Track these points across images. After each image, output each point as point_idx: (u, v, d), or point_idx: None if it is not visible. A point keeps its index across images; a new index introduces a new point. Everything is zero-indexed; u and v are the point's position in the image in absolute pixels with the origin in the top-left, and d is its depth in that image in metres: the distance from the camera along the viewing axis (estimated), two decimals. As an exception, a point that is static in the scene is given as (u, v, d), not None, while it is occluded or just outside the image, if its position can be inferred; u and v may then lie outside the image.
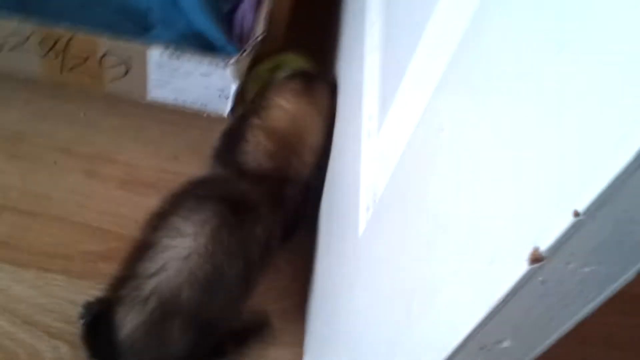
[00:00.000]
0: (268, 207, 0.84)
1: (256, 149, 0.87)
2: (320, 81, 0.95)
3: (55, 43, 0.92)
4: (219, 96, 0.98)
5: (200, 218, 0.79)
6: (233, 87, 0.96)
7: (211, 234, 0.78)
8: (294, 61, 1.06)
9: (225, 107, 1.00)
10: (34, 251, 0.97)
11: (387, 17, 0.71)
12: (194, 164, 1.06)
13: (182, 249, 0.77)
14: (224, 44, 1.02)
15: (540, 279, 0.33)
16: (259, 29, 0.91)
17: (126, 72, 0.97)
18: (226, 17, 1.08)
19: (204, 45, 1.03)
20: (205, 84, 0.97)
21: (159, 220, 0.80)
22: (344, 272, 0.71)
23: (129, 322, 0.78)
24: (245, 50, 0.91)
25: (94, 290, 0.95)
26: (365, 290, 0.63)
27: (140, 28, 1.06)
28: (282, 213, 0.86)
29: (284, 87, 0.93)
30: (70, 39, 0.91)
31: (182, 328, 0.78)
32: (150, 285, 0.76)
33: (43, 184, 1.02)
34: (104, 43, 0.92)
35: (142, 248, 0.79)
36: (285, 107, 0.90)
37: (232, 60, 0.92)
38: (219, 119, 1.04)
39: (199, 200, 0.81)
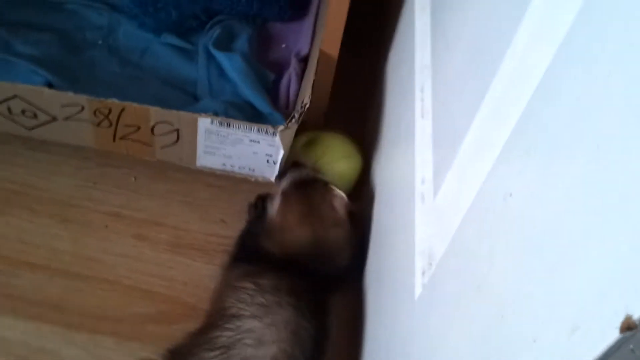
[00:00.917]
0: (318, 287, 0.84)
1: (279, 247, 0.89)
2: (316, 186, 0.94)
3: (108, 113, 0.94)
4: (267, 162, 1.00)
5: (280, 319, 0.79)
6: (281, 153, 0.97)
7: (292, 334, 0.78)
8: (329, 139, 1.06)
9: (273, 172, 1.02)
10: (84, 314, 0.98)
11: (439, 83, 0.73)
12: (239, 226, 1.07)
13: (262, 357, 0.76)
14: (270, 112, 1.04)
15: (630, 346, 0.32)
16: (305, 98, 0.93)
17: (177, 140, 0.99)
18: (272, 85, 1.10)
19: (251, 113, 1.05)
20: (253, 150, 0.98)
21: (231, 320, 0.80)
22: (398, 334, 0.71)
23: None
24: (293, 118, 0.93)
25: (143, 352, 0.95)
26: (422, 357, 0.62)
27: (190, 97, 1.08)
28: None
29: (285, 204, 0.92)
30: (122, 110, 0.94)
31: None
32: None
33: (94, 247, 1.03)
34: (156, 112, 0.94)
35: (216, 349, 0.79)
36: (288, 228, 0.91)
37: (280, 128, 0.93)
38: (265, 183, 1.06)
39: (275, 295, 0.81)
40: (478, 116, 0.55)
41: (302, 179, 0.94)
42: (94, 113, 0.95)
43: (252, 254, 0.90)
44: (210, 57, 1.11)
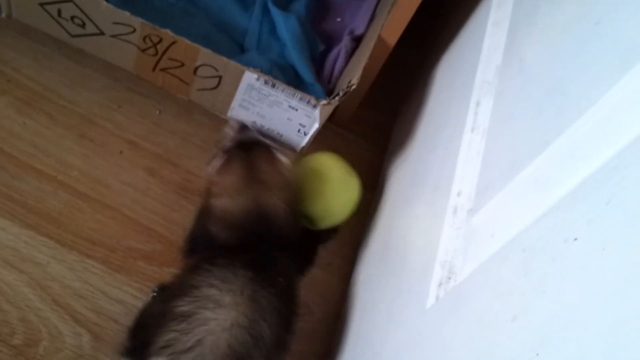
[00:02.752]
0: (278, 257, 0.84)
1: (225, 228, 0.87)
2: (257, 147, 0.91)
3: (158, 42, 0.93)
4: (298, 131, 1.00)
5: (236, 287, 0.79)
6: (315, 127, 0.97)
7: (249, 300, 0.78)
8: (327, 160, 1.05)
9: (300, 142, 1.02)
10: (80, 235, 0.98)
11: (503, 104, 0.73)
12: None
13: (224, 320, 0.76)
14: (312, 82, 1.04)
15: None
16: (354, 79, 0.92)
17: (216, 86, 0.98)
18: (319, 56, 1.10)
19: (292, 78, 1.05)
20: (288, 116, 0.98)
21: (190, 290, 0.80)
22: (405, 338, 0.72)
23: None
24: (337, 95, 0.93)
25: (127, 287, 0.96)
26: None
27: (236, 46, 1.08)
28: (289, 255, 0.86)
29: (227, 166, 0.89)
30: (173, 43, 0.93)
31: None
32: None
33: (104, 170, 1.03)
34: (205, 54, 0.93)
35: (177, 318, 0.78)
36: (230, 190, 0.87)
37: (323, 102, 0.93)
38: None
39: (229, 270, 0.81)
40: (550, 150, 0.56)
41: (245, 141, 0.91)
42: (144, 39, 0.94)
43: (202, 244, 0.88)
44: (265, 11, 1.10)
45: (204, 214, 0.86)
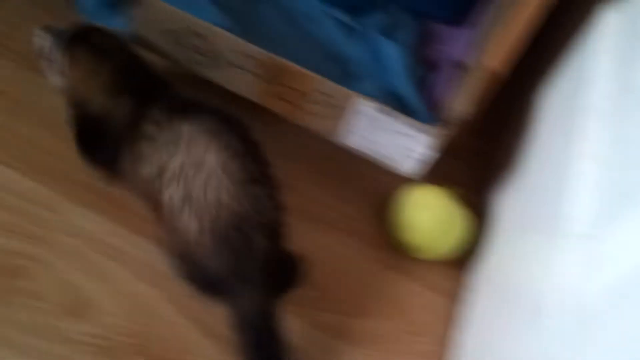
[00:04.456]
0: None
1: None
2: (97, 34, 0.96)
3: (273, 69, 1.00)
4: (407, 156, 1.04)
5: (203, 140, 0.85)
6: (425, 153, 1.01)
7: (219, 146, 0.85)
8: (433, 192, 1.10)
9: (410, 168, 1.06)
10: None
11: (618, 132, 0.75)
12: (362, 209, 1.13)
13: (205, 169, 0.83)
14: (419, 108, 1.08)
15: None
16: (466, 108, 0.96)
17: (327, 112, 1.03)
18: (421, 82, 1.14)
19: (399, 104, 1.10)
20: (398, 141, 1.03)
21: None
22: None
23: None
24: (449, 124, 0.97)
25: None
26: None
27: (342, 73, 1.13)
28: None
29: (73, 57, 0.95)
30: (288, 70, 0.99)
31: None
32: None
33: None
34: (319, 81, 0.99)
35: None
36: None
37: (435, 129, 0.97)
38: (391, 173, 1.11)
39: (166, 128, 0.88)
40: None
41: (79, 31, 0.96)
42: (260, 66, 1.00)
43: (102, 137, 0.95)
44: (371, 40, 1.15)
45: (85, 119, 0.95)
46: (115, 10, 1.05)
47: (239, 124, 0.90)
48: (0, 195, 1.01)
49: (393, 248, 1.12)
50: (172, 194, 0.84)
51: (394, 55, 1.13)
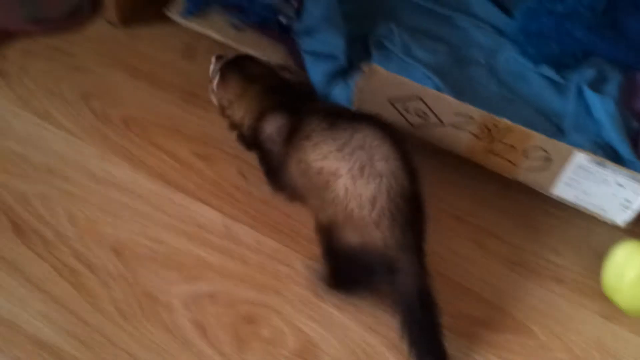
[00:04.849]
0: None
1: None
2: (246, 61, 1.11)
3: (493, 129, 1.07)
4: (623, 207, 1.08)
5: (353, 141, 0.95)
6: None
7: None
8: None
9: (624, 218, 1.09)
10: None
11: None
12: (573, 263, 1.17)
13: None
14: (632, 159, 1.12)
15: None
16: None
17: (543, 166, 1.09)
18: (634, 134, 1.18)
19: (612, 156, 1.14)
20: (613, 192, 1.07)
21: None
22: None
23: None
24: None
25: (470, 351, 1.07)
26: None
27: (554, 128, 1.19)
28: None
29: (225, 82, 1.10)
30: (508, 129, 1.06)
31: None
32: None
33: (441, 244, 1.16)
34: (537, 138, 1.05)
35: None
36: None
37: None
38: (605, 224, 1.14)
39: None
40: None
41: (227, 59, 1.10)
42: (481, 127, 1.08)
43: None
44: (580, 94, 1.20)
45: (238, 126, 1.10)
46: (340, 81, 1.17)
47: (396, 131, 0.97)
48: (232, 247, 1.13)
49: (609, 299, 1.12)
50: (348, 165, 0.93)
51: (602, 108, 1.17)
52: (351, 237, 0.96)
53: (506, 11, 1.29)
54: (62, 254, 1.04)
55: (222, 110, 1.12)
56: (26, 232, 1.06)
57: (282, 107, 1.05)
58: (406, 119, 1.15)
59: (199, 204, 1.14)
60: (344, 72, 1.16)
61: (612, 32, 1.25)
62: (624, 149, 1.12)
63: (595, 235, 1.19)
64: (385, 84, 1.10)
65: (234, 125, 1.11)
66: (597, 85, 1.21)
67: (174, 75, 1.15)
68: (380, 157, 0.93)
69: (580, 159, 1.05)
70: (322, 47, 1.14)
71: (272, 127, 1.05)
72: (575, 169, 1.07)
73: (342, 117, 0.97)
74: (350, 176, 0.93)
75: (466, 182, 1.22)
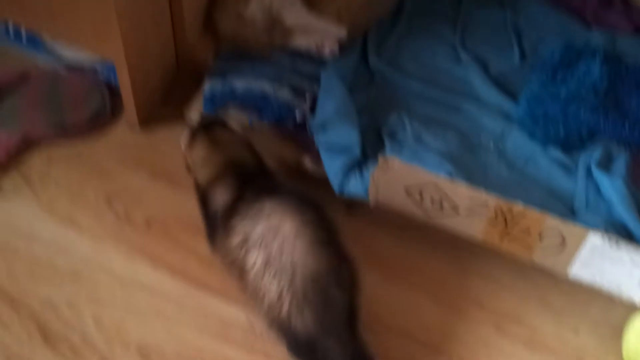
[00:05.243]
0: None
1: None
2: (218, 127, 1.17)
3: (508, 213, 1.10)
4: (639, 283, 1.10)
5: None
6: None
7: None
8: None
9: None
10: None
11: None
12: (594, 341, 1.19)
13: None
14: (645, 238, 1.15)
15: None
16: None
17: (558, 248, 1.12)
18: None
19: (624, 235, 1.16)
20: (629, 271, 1.09)
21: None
22: None
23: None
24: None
25: None
26: None
27: (566, 209, 1.22)
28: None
29: (193, 144, 1.16)
30: (523, 213, 1.09)
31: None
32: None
33: (456, 326, 1.18)
34: (551, 220, 1.08)
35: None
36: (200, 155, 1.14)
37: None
38: (623, 303, 1.16)
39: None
40: None
41: (204, 121, 1.19)
42: (495, 212, 1.11)
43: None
44: (589, 174, 1.24)
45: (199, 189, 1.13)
46: (355, 172, 1.21)
47: (314, 203, 1.03)
48: (256, 343, 1.11)
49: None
50: (255, 259, 0.98)
51: (612, 187, 1.21)
52: (278, 334, 1.02)
53: (512, 96, 1.33)
54: (89, 360, 1.05)
55: (188, 169, 1.18)
56: (54, 339, 1.09)
57: (233, 181, 1.10)
58: (422, 208, 1.18)
59: (222, 300, 1.16)
60: (359, 164, 1.19)
61: (616, 112, 1.29)
62: (637, 227, 1.15)
63: (614, 313, 1.21)
64: (400, 174, 1.14)
65: (196, 186, 1.16)
66: (604, 164, 1.24)
67: (193, 173, 1.19)
68: (287, 243, 0.98)
69: (595, 240, 1.08)
70: (337, 140, 1.18)
71: (218, 198, 1.10)
72: (590, 249, 1.10)
73: (265, 194, 1.04)
74: (255, 272, 1.00)
75: (481, 267, 1.24)
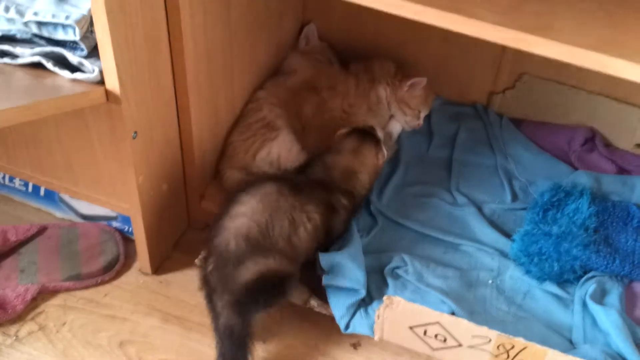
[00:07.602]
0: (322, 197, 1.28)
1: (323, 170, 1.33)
2: (369, 141, 1.37)
3: (510, 348, 1.17)
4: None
5: (261, 191, 1.21)
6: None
7: (263, 199, 1.19)
8: None
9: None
10: None
11: None
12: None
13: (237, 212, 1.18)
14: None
15: None
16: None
17: (560, 380, 1.18)
18: (636, 340, 1.28)
19: None
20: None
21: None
22: None
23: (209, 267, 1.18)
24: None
25: None
26: None
27: (565, 341, 1.29)
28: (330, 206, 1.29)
29: (342, 142, 1.36)
30: (524, 348, 1.16)
31: (235, 272, 1.15)
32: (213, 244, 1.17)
33: None
34: (553, 354, 1.15)
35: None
36: (341, 158, 1.35)
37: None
38: None
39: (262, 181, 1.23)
40: None
41: (366, 129, 1.39)
42: (498, 346, 1.18)
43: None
44: (585, 307, 1.32)
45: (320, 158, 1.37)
46: (360, 310, 1.29)
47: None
48: None
49: None
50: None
51: (607, 319, 1.28)
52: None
53: (506, 235, 1.44)
54: None
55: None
56: None
57: None
58: (426, 343, 1.25)
59: None
60: (364, 303, 1.28)
61: (606, 247, 1.38)
62: (634, 357, 1.22)
63: None
64: (405, 313, 1.21)
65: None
66: (599, 297, 1.32)
67: (204, 316, 1.26)
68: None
69: (591, 370, 1.14)
70: (344, 282, 1.27)
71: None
72: (593, 380, 1.16)
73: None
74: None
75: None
